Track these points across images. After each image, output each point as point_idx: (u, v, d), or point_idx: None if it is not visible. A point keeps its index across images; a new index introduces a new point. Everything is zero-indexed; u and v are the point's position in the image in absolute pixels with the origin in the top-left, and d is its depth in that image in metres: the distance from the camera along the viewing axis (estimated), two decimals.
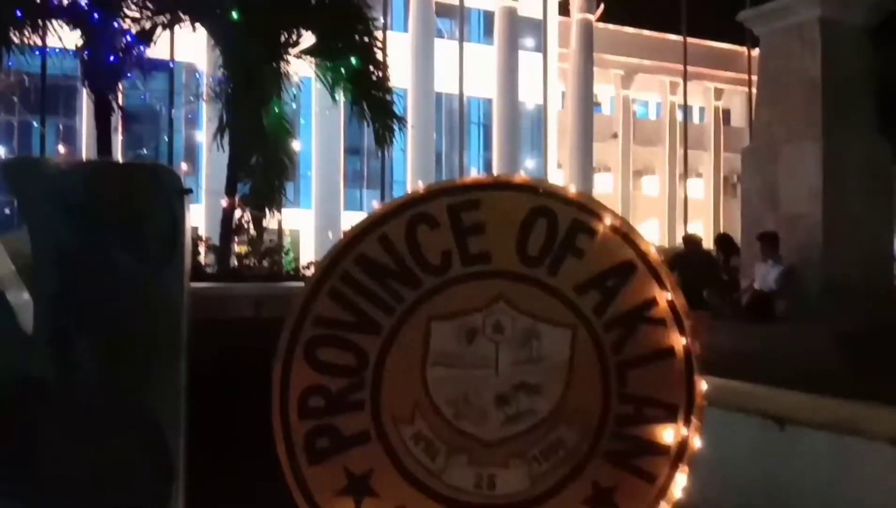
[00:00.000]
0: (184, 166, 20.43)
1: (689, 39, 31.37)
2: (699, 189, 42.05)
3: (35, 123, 23.78)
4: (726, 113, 44.10)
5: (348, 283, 2.55)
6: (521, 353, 2.55)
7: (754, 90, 20.27)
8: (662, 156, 42.09)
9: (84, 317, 2.52)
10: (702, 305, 7.50)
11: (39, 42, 11.37)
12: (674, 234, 39.35)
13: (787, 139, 8.43)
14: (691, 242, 11.07)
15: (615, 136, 41.24)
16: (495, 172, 33.63)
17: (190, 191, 2.68)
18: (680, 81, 35.47)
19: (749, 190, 9.17)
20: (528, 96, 33.98)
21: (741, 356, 4.46)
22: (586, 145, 35.39)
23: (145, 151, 26.73)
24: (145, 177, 2.71)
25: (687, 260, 9.44)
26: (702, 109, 44.54)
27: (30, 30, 10.61)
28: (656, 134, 42.32)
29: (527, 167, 34.90)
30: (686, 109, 35.48)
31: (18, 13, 10.01)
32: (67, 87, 22.76)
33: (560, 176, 35.71)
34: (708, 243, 14.22)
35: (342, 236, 2.63)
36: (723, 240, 11.34)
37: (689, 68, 32.00)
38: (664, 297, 2.53)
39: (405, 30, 31.75)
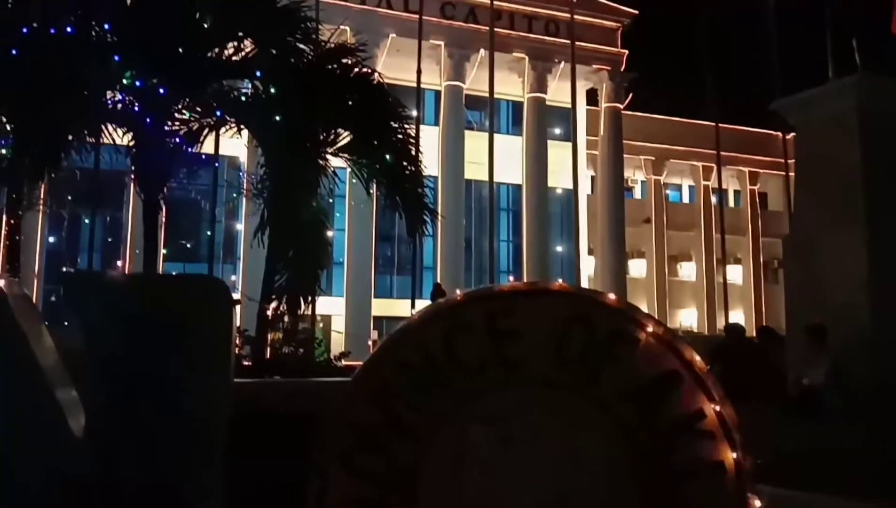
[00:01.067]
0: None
1: (721, 125, 31.64)
2: (738, 275, 41.54)
3: (84, 218, 24.64)
4: (763, 197, 43.98)
5: (386, 389, 2.57)
6: (559, 461, 2.48)
7: (791, 174, 20.15)
8: (698, 240, 41.84)
9: (132, 422, 2.60)
10: (746, 399, 7.24)
11: (93, 140, 11.83)
12: (713, 321, 38.74)
13: (828, 227, 8.27)
14: (734, 332, 10.78)
15: (648, 220, 41.20)
16: (525, 256, 33.67)
17: (238, 302, 2.80)
18: (713, 165, 35.62)
19: (792, 280, 8.98)
20: (557, 182, 34.35)
21: (793, 457, 4.27)
22: (618, 230, 35.42)
23: (188, 244, 27.41)
24: (197, 290, 2.83)
25: (730, 351, 9.19)
26: (737, 193, 44.49)
27: (86, 132, 11.08)
28: (691, 218, 42.22)
29: (557, 251, 35.02)
30: (721, 193, 35.53)
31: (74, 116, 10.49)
32: (116, 180, 23.66)
33: (591, 261, 35.67)
34: (750, 331, 13.93)
35: (379, 341, 2.65)
36: (765, 333, 11.06)
37: (722, 153, 32.17)
38: (712, 408, 2.44)
39: (436, 123, 32.63)
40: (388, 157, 11.49)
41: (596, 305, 2.58)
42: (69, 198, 21.63)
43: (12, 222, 13.77)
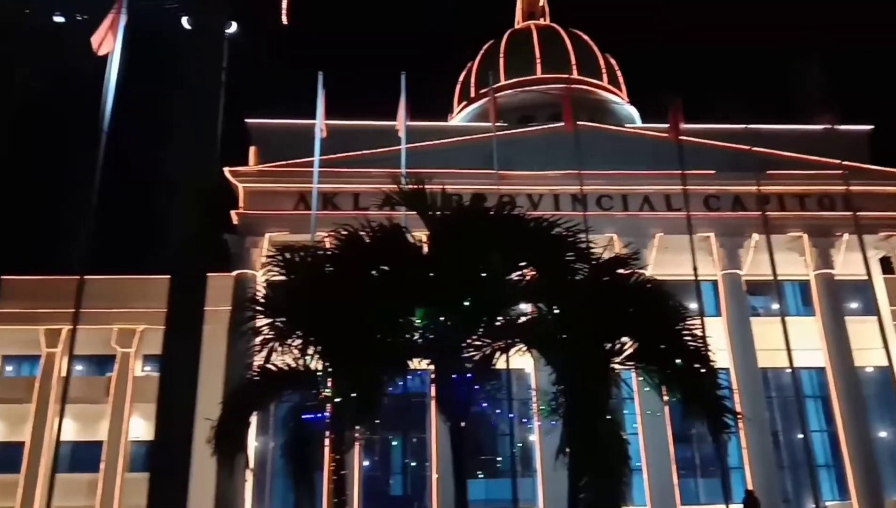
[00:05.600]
0: None
1: None
2: None
3: (392, 441, 26.94)
4: None
5: None
6: None
7: None
8: None
9: None
10: None
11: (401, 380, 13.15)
12: None
13: None
14: None
15: None
16: (844, 445, 30.00)
17: None
18: None
19: None
20: (866, 360, 31.03)
21: None
22: None
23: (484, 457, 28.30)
24: None
25: None
26: None
27: (394, 369, 12.43)
28: None
29: (881, 437, 30.96)
30: None
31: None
32: (417, 403, 25.83)
33: None
34: None
35: None
36: None
37: None
38: None
39: (718, 313, 31.54)
40: (677, 360, 11.40)
41: None
42: (379, 424, 23.69)
43: (336, 457, 15.21)
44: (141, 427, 30.36)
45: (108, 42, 20.08)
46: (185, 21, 13.88)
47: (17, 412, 29.22)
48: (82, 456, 29.13)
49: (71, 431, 22.26)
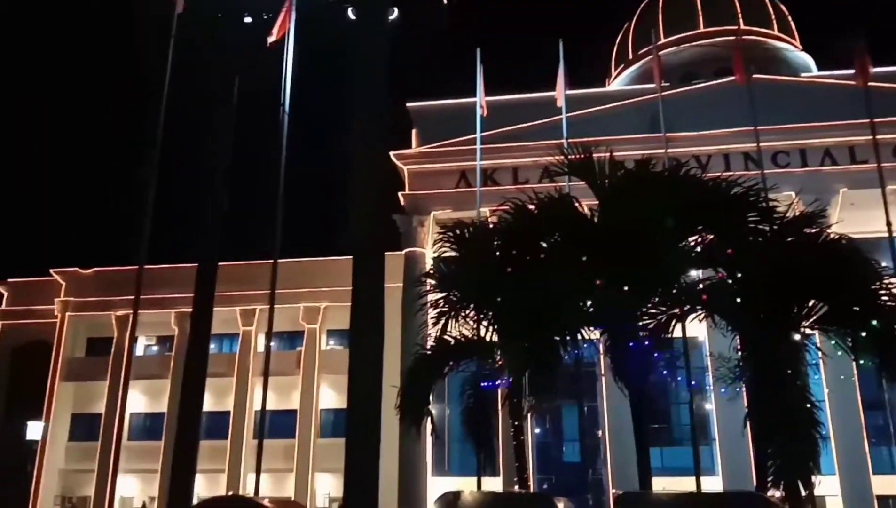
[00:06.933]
0: None
1: None
2: None
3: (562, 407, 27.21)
4: None
5: None
6: None
7: None
8: None
9: None
10: None
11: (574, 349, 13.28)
12: None
13: None
14: None
15: None
16: None
17: None
18: None
19: None
20: None
21: None
22: None
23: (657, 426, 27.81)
24: None
25: None
26: None
27: (567, 339, 12.58)
28: None
29: None
30: None
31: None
32: (588, 372, 25.86)
33: None
34: None
35: None
36: None
37: None
38: None
39: None
40: (874, 322, 10.75)
41: None
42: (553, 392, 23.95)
43: (515, 424, 15.63)
44: (329, 397, 32.44)
45: (282, 34, 21.43)
46: (350, 13, 14.56)
47: (222, 385, 32.01)
48: (279, 423, 31.58)
49: (268, 401, 24.24)
